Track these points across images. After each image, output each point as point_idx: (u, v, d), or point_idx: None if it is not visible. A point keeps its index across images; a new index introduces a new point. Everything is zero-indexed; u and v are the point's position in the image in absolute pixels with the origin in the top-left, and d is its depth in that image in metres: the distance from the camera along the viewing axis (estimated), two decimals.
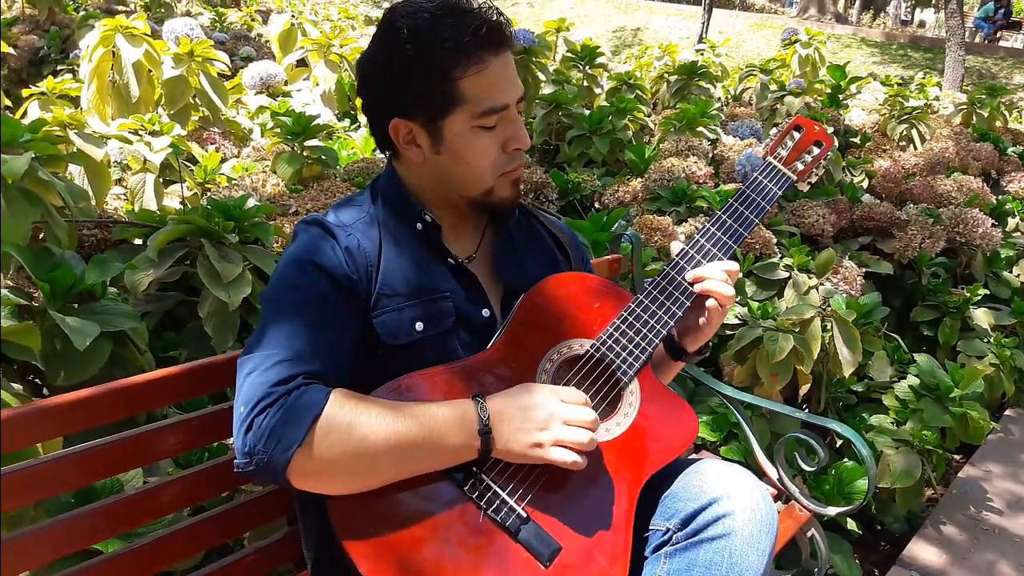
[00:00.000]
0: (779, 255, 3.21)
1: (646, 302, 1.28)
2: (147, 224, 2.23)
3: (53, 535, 1.23)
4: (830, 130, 4.20)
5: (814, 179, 1.51)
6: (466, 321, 1.27)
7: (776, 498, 1.94)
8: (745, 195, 1.39)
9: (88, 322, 1.54)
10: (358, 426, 1.04)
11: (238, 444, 1.04)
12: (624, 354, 1.23)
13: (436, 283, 1.26)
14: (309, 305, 1.15)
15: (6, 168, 1.56)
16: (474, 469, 1.11)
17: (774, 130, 1.53)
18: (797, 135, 1.47)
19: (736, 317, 2.87)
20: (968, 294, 3.45)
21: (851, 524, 2.55)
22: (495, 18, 1.20)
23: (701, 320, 1.36)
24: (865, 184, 4.19)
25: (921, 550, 2.51)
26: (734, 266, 1.32)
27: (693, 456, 2.01)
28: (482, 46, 1.18)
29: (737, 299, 3.04)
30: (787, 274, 3.09)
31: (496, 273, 1.35)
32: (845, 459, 2.56)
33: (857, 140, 4.91)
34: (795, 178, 1.44)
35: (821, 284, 3.06)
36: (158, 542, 1.34)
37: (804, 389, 2.59)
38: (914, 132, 5.02)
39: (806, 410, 2.87)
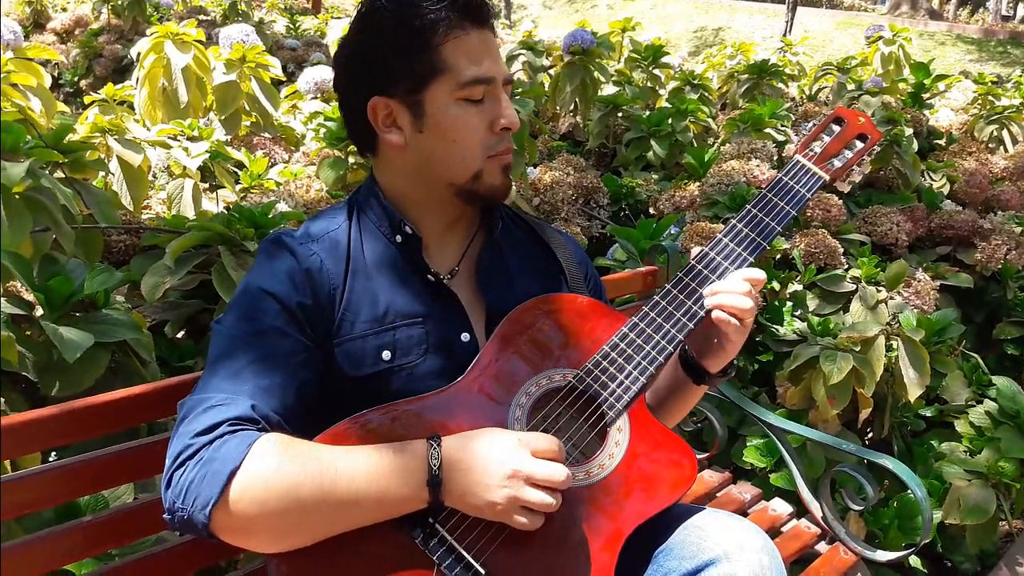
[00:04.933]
0: (846, 266, 2.99)
1: (641, 325, 1.14)
2: (175, 230, 2.20)
3: (31, 552, 1.18)
4: (908, 131, 3.93)
5: (857, 177, 1.33)
6: (443, 347, 1.15)
7: (820, 538, 1.76)
8: (766, 199, 1.22)
9: (82, 332, 1.50)
10: (281, 479, 0.93)
11: (163, 498, 0.96)
12: (612, 385, 1.09)
13: (409, 306, 1.15)
14: (257, 339, 1.05)
15: (4, 176, 1.53)
16: (429, 519, 0.99)
17: (810, 124, 1.36)
18: (837, 128, 1.30)
19: (795, 333, 2.67)
20: None
21: (915, 561, 2.34)
22: None
23: (718, 339, 1.19)
24: (946, 189, 3.89)
25: None
26: (759, 274, 1.15)
27: (717, 492, 1.85)
28: (461, 14, 1.11)
29: (796, 313, 2.84)
30: (854, 287, 2.87)
31: (480, 291, 1.22)
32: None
33: (942, 142, 4.59)
34: (828, 178, 1.26)
35: (891, 298, 2.83)
36: (143, 561, 1.28)
37: (865, 414, 2.38)
38: (1005, 133, 4.65)
39: (870, 435, 2.66)
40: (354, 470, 0.95)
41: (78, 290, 1.57)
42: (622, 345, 1.12)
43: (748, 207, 1.22)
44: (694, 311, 1.16)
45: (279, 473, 0.93)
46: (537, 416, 1.09)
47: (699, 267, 1.18)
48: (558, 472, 0.96)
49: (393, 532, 0.98)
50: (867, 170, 1.32)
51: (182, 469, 0.94)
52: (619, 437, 1.08)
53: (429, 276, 1.17)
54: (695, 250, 1.22)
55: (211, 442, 0.95)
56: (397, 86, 1.13)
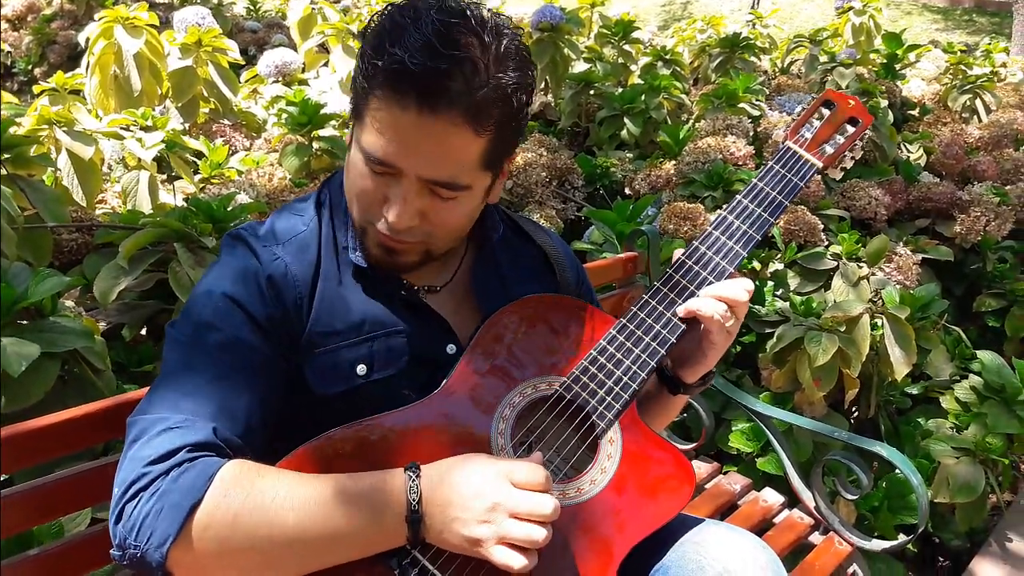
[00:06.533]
0: (826, 242, 2.94)
1: (631, 327, 1.06)
2: (129, 227, 2.09)
3: None
4: (884, 103, 3.88)
5: (849, 163, 1.27)
6: (425, 360, 1.05)
7: (813, 528, 1.71)
8: (757, 189, 1.15)
9: (28, 343, 1.39)
10: (248, 515, 0.84)
11: (111, 532, 0.85)
12: (601, 393, 1.01)
13: (387, 315, 1.05)
14: (217, 351, 0.95)
15: None
16: (407, 547, 0.90)
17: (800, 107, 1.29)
18: (827, 112, 1.23)
19: (776, 313, 2.62)
20: None
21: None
22: (443, 71, 0.90)
23: (699, 344, 1.11)
24: (923, 161, 3.85)
25: (985, 571, 2.25)
26: (749, 284, 1.08)
27: (706, 484, 1.80)
28: (395, 82, 0.91)
29: (778, 292, 2.79)
30: (835, 263, 2.82)
31: (476, 300, 1.12)
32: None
33: (915, 113, 4.55)
34: (821, 164, 1.19)
35: (873, 274, 2.78)
36: None
37: (851, 394, 2.33)
38: (978, 102, 4.63)
39: (855, 414, 2.62)
40: (327, 505, 0.85)
41: (21, 297, 1.46)
42: (611, 349, 1.04)
43: (739, 198, 1.14)
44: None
45: (245, 508, 0.84)
46: (523, 430, 1.01)
47: (689, 263, 1.10)
48: (544, 504, 0.86)
49: (369, 563, 0.89)
50: (859, 155, 1.25)
51: (135, 501, 0.84)
52: (611, 449, 1.00)
53: (402, 292, 1.07)
54: (677, 252, 1.13)
55: (168, 471, 0.85)
56: (353, 100, 1.01)
